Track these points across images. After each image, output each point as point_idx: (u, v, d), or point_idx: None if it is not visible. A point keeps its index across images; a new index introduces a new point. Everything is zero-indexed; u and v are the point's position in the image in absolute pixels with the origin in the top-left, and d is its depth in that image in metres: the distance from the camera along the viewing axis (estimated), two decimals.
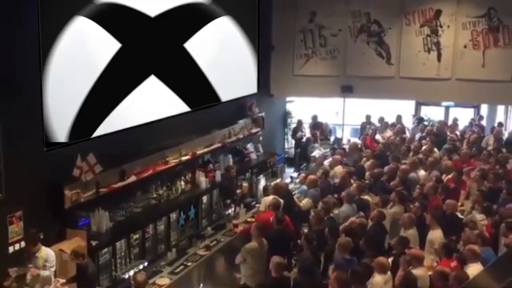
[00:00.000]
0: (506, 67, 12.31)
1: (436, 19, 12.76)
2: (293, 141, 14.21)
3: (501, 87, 12.28)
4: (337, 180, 9.83)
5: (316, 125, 13.98)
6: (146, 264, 7.72)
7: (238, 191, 10.34)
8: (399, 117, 13.57)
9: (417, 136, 12.62)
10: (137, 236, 7.91)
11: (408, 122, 13.80)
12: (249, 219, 9.57)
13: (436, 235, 7.38)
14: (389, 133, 12.49)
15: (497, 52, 12.40)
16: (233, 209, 9.81)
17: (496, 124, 13.08)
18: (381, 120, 13.71)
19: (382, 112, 13.99)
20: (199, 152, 10.24)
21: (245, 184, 10.66)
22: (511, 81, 12.23)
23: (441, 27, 12.73)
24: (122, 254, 7.60)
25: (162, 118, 9.13)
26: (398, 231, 7.73)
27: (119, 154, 8.14)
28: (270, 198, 8.84)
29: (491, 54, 12.41)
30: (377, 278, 6.14)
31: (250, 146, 12.02)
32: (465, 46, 12.58)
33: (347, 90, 13.20)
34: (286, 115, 14.65)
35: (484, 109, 13.94)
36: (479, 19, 12.45)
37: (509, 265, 4.46)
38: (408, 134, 13.02)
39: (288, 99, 14.70)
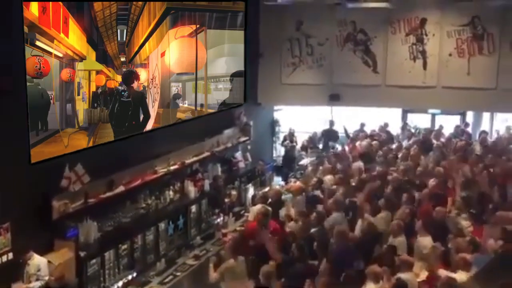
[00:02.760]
0: (491, 75, 12.44)
1: (421, 27, 12.88)
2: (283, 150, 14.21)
3: (486, 95, 12.42)
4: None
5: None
6: (135, 274, 7.68)
7: (227, 200, 10.33)
8: (385, 125, 13.63)
9: (404, 143, 12.68)
10: (125, 246, 7.87)
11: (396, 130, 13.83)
12: (238, 228, 9.56)
13: (425, 242, 7.41)
14: (375, 142, 12.45)
15: (482, 60, 12.54)
16: (222, 218, 9.81)
17: (479, 133, 13.22)
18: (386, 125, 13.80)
19: (370, 119, 14.01)
20: (187, 161, 10.24)
21: (233, 192, 10.66)
22: (495, 88, 12.38)
23: (426, 35, 12.85)
24: (111, 264, 7.55)
25: (151, 130, 9.13)
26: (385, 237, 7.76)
27: (107, 164, 8.11)
28: (258, 206, 8.83)
29: (476, 62, 12.54)
30: (371, 287, 6.15)
31: (238, 155, 12.05)
32: (450, 54, 12.71)
33: (334, 99, 13.26)
34: (274, 123, 14.66)
35: (469, 116, 14.04)
36: (463, 28, 12.60)
37: (498, 269, 4.49)
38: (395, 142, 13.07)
39: (275, 107, 14.73)
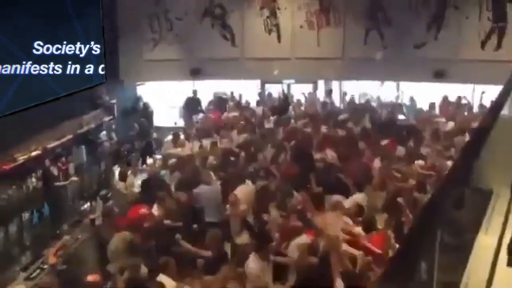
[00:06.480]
0: (338, 45, 13.47)
1: (274, 1, 13.51)
2: None
3: (334, 64, 13.46)
4: None
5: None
6: None
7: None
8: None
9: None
10: None
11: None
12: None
13: None
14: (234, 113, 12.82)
15: (330, 31, 13.48)
16: (89, 203, 9.82)
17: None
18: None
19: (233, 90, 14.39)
20: (49, 146, 10.04)
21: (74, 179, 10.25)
22: (343, 57, 13.45)
23: (279, 9, 13.51)
24: None
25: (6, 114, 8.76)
26: None
27: None
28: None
29: (325, 34, 13.48)
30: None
31: (103, 135, 11.97)
32: (301, 27, 13.50)
33: (196, 73, 13.58)
34: (138, 99, 14.62)
35: (321, 84, 15.01)
36: (312, 1, 13.42)
37: None
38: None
39: (138, 83, 14.68)
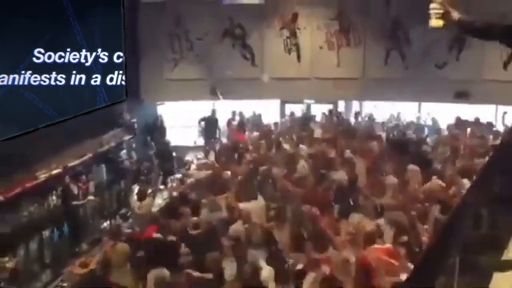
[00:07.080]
0: (358, 65, 13.48)
1: (293, 22, 13.58)
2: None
3: (354, 84, 13.45)
4: None
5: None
6: None
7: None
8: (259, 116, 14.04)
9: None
10: (7, 259, 7.72)
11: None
12: (127, 231, 9.59)
13: None
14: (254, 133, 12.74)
15: (350, 51, 13.50)
16: (108, 221, 9.85)
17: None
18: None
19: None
20: (70, 164, 10.11)
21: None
22: (363, 78, 13.42)
23: (298, 29, 13.58)
24: None
25: (26, 132, 8.84)
26: None
27: None
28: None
29: (345, 54, 13.49)
30: None
31: (123, 154, 12.03)
32: (321, 47, 13.54)
33: (216, 93, 13.65)
34: (158, 119, 14.70)
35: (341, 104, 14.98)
36: (331, 21, 13.47)
37: None
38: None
39: (159, 102, 14.80)
